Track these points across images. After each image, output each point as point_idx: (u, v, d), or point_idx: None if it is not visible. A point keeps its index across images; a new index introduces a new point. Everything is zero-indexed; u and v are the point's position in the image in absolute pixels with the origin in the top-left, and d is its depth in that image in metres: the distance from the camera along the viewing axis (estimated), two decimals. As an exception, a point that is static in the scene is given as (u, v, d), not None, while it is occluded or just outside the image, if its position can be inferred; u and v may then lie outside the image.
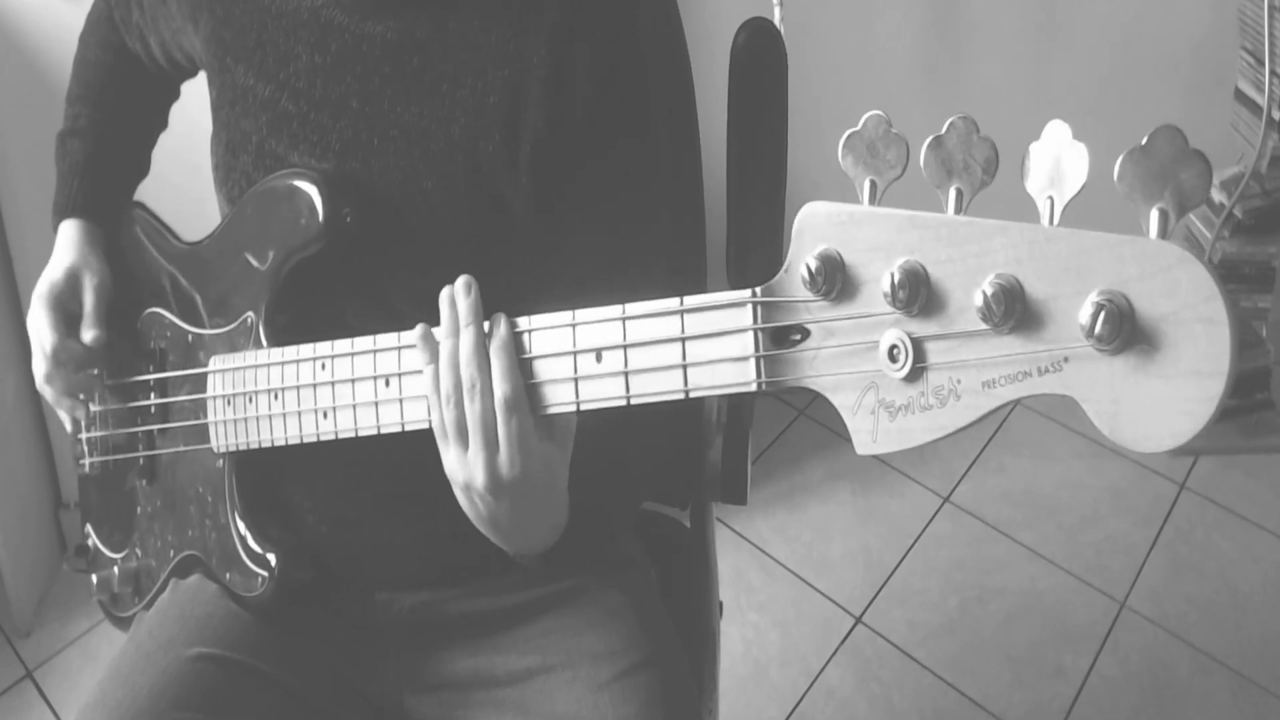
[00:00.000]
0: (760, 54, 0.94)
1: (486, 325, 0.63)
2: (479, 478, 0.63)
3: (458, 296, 0.63)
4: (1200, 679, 1.62)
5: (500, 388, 0.61)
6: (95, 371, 0.92)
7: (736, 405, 1.05)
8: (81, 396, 0.93)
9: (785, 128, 0.97)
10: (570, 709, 0.80)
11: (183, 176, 1.10)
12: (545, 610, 0.86)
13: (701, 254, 1.02)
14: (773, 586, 1.80)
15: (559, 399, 0.61)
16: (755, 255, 0.97)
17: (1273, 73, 1.74)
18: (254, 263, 0.80)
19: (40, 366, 0.89)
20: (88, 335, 0.89)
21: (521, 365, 0.62)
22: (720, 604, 1.07)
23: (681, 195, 0.99)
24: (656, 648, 0.84)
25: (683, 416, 1.07)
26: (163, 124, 1.03)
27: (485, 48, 0.75)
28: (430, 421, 0.66)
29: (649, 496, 1.04)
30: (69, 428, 0.96)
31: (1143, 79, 1.99)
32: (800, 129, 1.00)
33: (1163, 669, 1.63)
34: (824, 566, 1.83)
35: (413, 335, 0.65)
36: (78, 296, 0.90)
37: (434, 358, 0.64)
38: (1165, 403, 0.40)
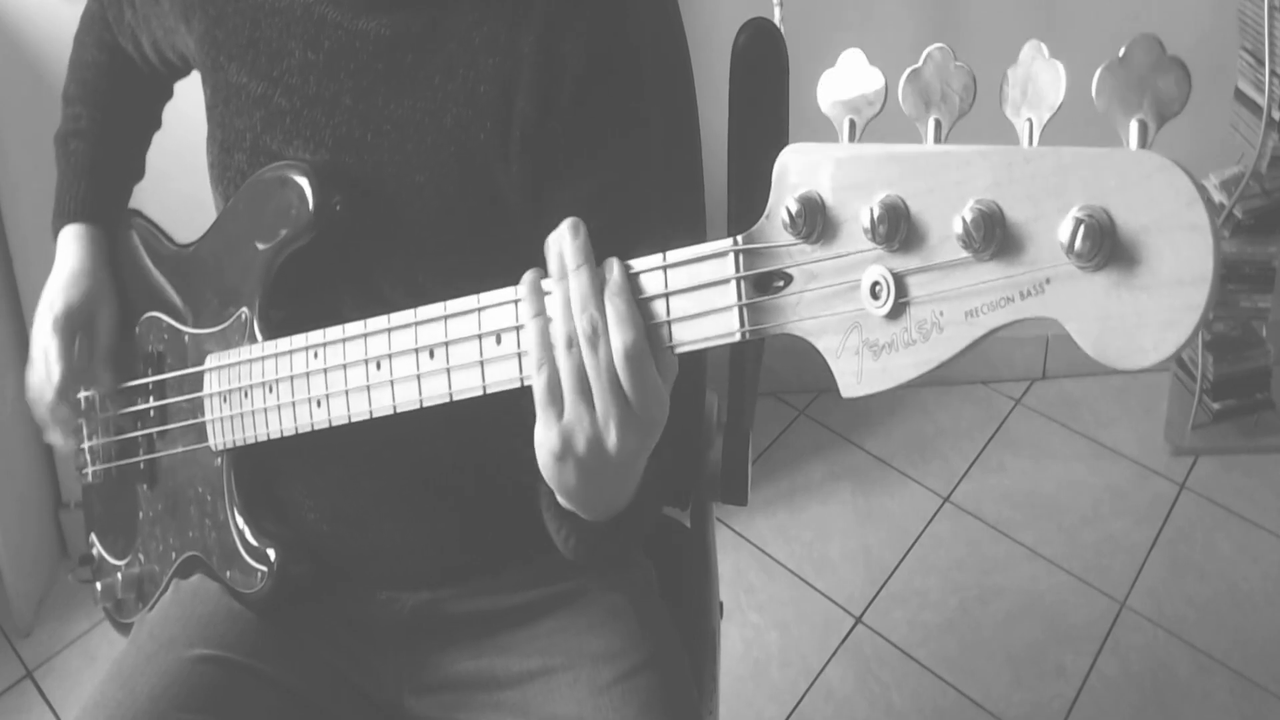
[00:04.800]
0: (761, 55, 0.94)
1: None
2: (610, 436, 0.57)
3: (565, 239, 0.57)
4: (1200, 679, 1.62)
5: (624, 336, 0.55)
6: (87, 394, 0.92)
7: (737, 405, 1.05)
8: (79, 420, 0.93)
9: (785, 128, 0.97)
10: (571, 710, 0.80)
11: (180, 177, 1.10)
12: (546, 611, 0.86)
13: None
14: (773, 586, 1.80)
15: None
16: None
17: (1273, 73, 1.74)
18: (246, 257, 0.80)
19: (42, 393, 0.90)
20: (104, 377, 0.90)
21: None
22: (720, 604, 1.07)
23: (679, 186, 0.99)
24: (657, 648, 0.84)
25: (683, 416, 1.07)
26: (157, 124, 1.03)
27: (477, 40, 0.75)
28: (535, 384, 0.59)
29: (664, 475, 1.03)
30: (58, 444, 0.95)
31: (1143, 79, 1.98)
32: (800, 129, 1.00)
33: (1163, 669, 1.63)
34: (824, 566, 1.83)
35: (521, 287, 0.60)
36: (90, 324, 0.90)
37: (541, 309, 0.59)
38: (1149, 315, 0.39)
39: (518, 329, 0.61)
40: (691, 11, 0.98)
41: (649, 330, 0.56)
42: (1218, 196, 1.89)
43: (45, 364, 0.88)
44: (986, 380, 2.22)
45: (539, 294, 0.59)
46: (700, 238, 1.01)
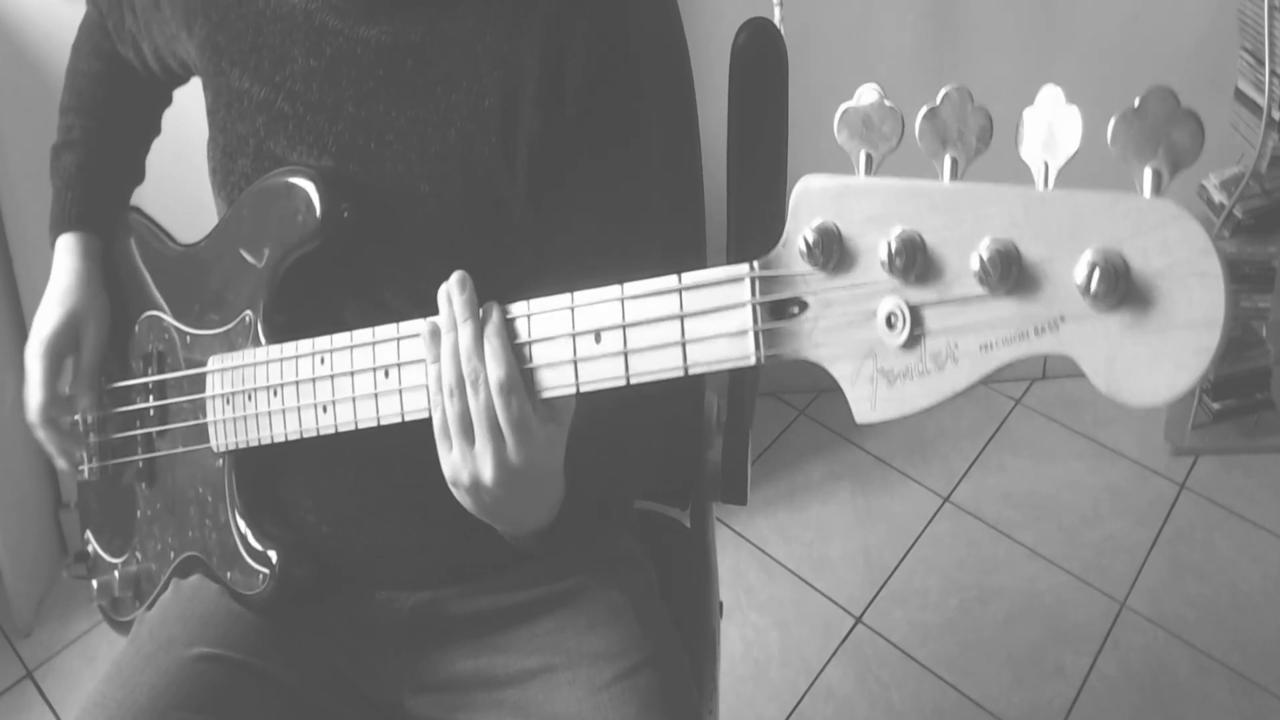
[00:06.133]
0: (760, 54, 0.94)
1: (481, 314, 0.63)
2: (486, 472, 0.63)
3: (452, 293, 0.64)
4: (1200, 679, 1.62)
5: (495, 372, 0.61)
6: (79, 418, 0.93)
7: (736, 405, 1.05)
8: (76, 418, 0.93)
9: (785, 128, 0.97)
10: (571, 710, 0.80)
11: (181, 178, 1.10)
12: (546, 610, 0.86)
13: (701, 251, 1.02)
14: (773, 586, 1.80)
15: (559, 382, 0.61)
16: (756, 255, 0.97)
17: (1273, 73, 1.74)
18: (251, 261, 0.80)
19: (30, 415, 0.90)
20: (82, 401, 0.91)
21: (520, 350, 0.62)
22: (720, 604, 1.07)
23: (679, 189, 0.99)
24: (657, 648, 0.84)
25: (683, 416, 1.07)
26: (156, 130, 1.03)
27: (479, 50, 0.75)
28: (432, 420, 0.66)
29: (646, 481, 1.04)
30: (57, 465, 0.95)
31: (1142, 79, 1.98)
32: (800, 129, 1.00)
33: (1163, 669, 1.63)
34: (824, 566, 1.83)
35: (420, 327, 0.66)
36: (75, 342, 0.91)
37: (437, 356, 0.64)
38: (1161, 357, 0.40)
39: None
40: (691, 11, 0.98)
41: (532, 373, 0.62)
42: (1218, 196, 1.89)
43: (30, 389, 0.89)
44: (986, 380, 2.22)
45: (436, 341, 0.65)
46: (700, 241, 1.02)
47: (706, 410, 1.11)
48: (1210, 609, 1.73)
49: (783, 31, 0.95)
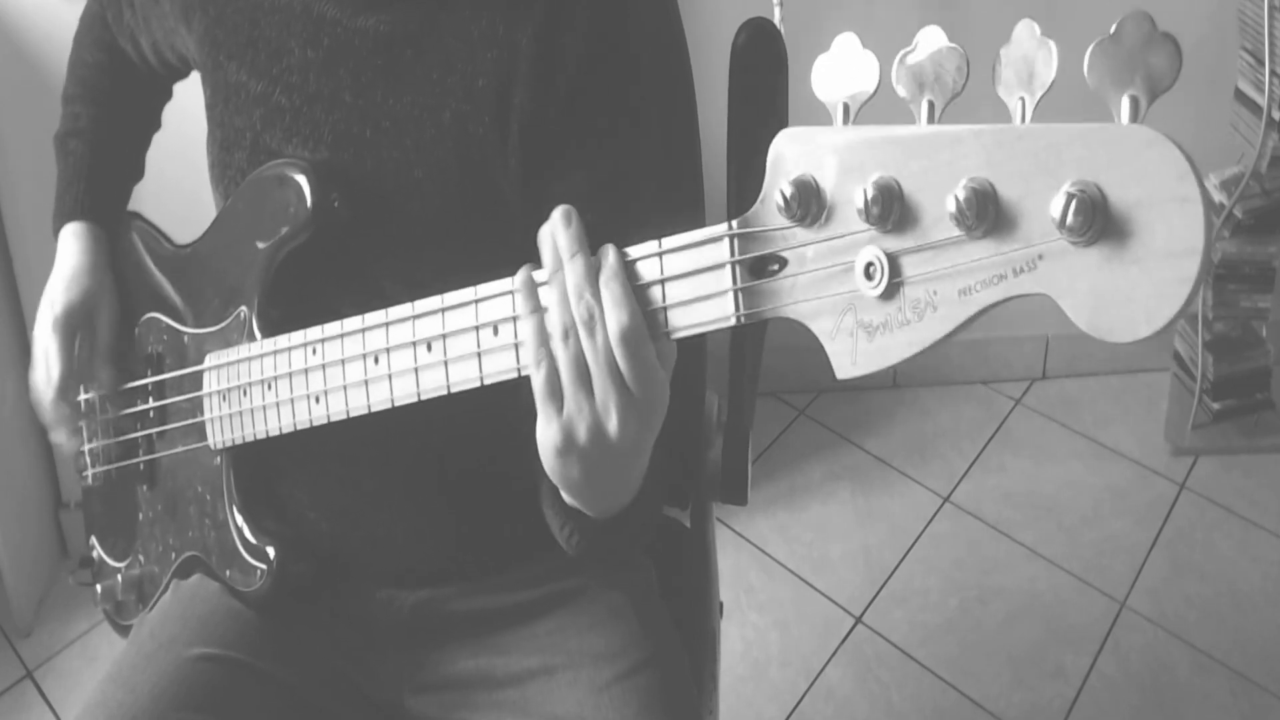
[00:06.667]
0: (760, 54, 0.94)
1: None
2: (612, 422, 0.56)
3: (558, 228, 0.58)
4: (1200, 679, 1.62)
5: (618, 318, 0.55)
6: (88, 396, 0.93)
7: (737, 405, 1.05)
8: (80, 421, 0.94)
9: (785, 128, 0.97)
10: (571, 710, 0.80)
11: (180, 176, 1.10)
12: (546, 610, 0.86)
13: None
14: (773, 586, 1.80)
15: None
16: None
17: (1273, 73, 1.74)
18: (245, 256, 0.80)
19: (43, 393, 0.90)
20: (103, 377, 0.91)
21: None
22: (720, 604, 1.07)
23: (676, 176, 0.98)
24: (657, 648, 0.84)
25: (683, 416, 1.07)
26: (157, 124, 1.03)
27: (475, 34, 0.75)
28: (534, 381, 0.58)
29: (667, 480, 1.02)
30: (62, 443, 0.95)
31: (1143, 79, 1.98)
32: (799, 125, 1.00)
33: (1163, 669, 1.63)
34: (824, 566, 1.83)
35: (513, 281, 0.60)
36: (90, 324, 0.91)
37: (536, 305, 0.59)
38: (1141, 288, 0.39)
39: (514, 319, 0.61)
40: (691, 11, 0.98)
41: (646, 315, 0.56)
42: (1218, 196, 1.89)
43: (45, 364, 0.89)
44: (986, 380, 2.22)
45: (534, 289, 0.59)
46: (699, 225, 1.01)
47: (706, 410, 1.11)
48: (1210, 609, 1.73)
49: (782, 31, 0.95)
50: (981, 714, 1.58)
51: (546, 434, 0.59)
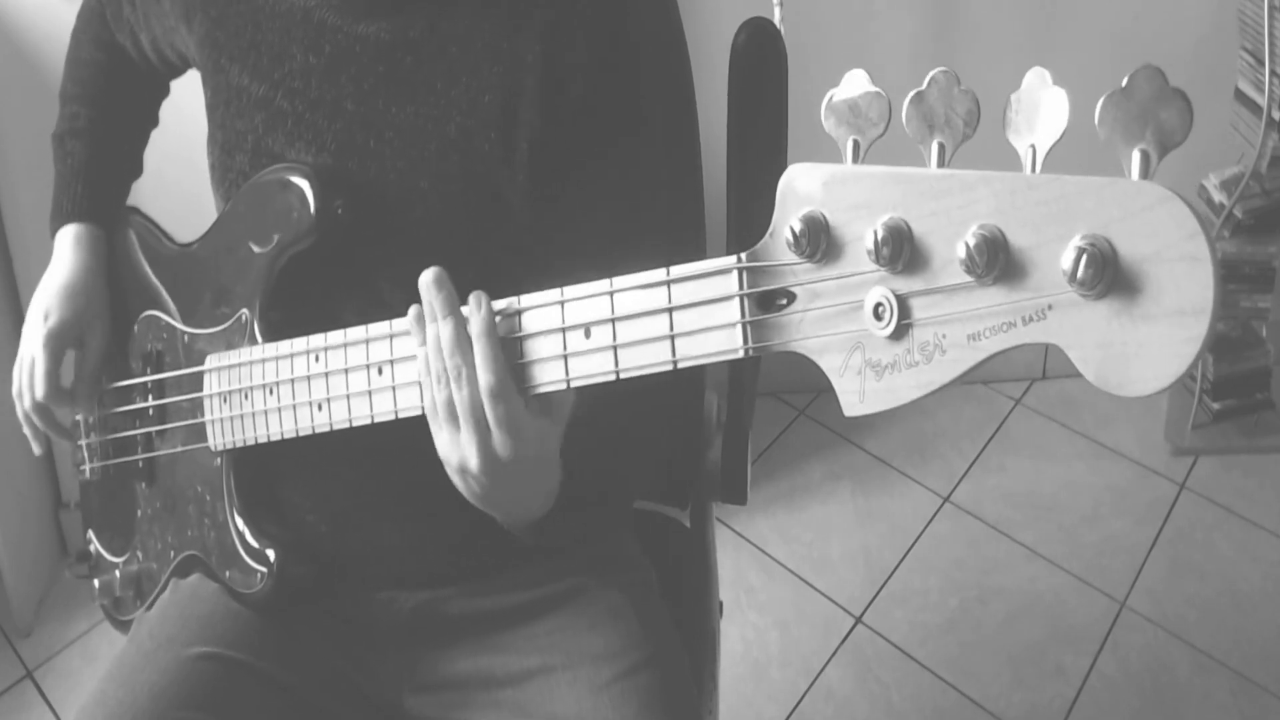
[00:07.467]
0: (760, 54, 0.94)
1: (465, 310, 0.63)
2: (472, 460, 0.63)
3: (431, 291, 0.63)
4: (1200, 679, 1.62)
5: (483, 377, 0.61)
6: (79, 418, 0.93)
7: (736, 405, 1.05)
8: (77, 418, 0.94)
9: (785, 128, 0.97)
10: (571, 710, 0.80)
11: (180, 176, 1.10)
12: (546, 610, 0.86)
13: (701, 246, 1.02)
14: (773, 586, 1.80)
15: (549, 377, 0.61)
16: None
17: (1273, 73, 1.74)
18: (247, 259, 0.80)
19: (21, 397, 0.90)
20: (81, 401, 0.92)
21: (510, 345, 0.62)
22: (720, 604, 1.07)
23: (680, 184, 0.99)
24: (657, 648, 0.84)
25: (683, 415, 1.07)
26: (154, 122, 1.03)
27: (478, 46, 0.75)
28: (423, 405, 0.65)
29: (645, 477, 1.03)
30: (36, 450, 0.95)
31: (1143, 79, 1.98)
32: (800, 128, 1.00)
33: (1163, 669, 1.63)
34: (824, 566, 1.83)
35: (406, 320, 0.65)
36: (80, 340, 0.91)
37: (424, 341, 0.64)
38: (1150, 345, 0.39)
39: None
40: (691, 11, 0.98)
41: (522, 368, 0.61)
42: (1218, 196, 1.89)
43: (30, 374, 0.89)
44: (986, 380, 2.22)
45: (422, 326, 0.64)
46: (700, 238, 1.02)
47: (706, 410, 1.11)
48: (1210, 609, 1.73)
49: (782, 31, 0.95)
50: (981, 714, 1.58)
51: (438, 448, 0.65)
